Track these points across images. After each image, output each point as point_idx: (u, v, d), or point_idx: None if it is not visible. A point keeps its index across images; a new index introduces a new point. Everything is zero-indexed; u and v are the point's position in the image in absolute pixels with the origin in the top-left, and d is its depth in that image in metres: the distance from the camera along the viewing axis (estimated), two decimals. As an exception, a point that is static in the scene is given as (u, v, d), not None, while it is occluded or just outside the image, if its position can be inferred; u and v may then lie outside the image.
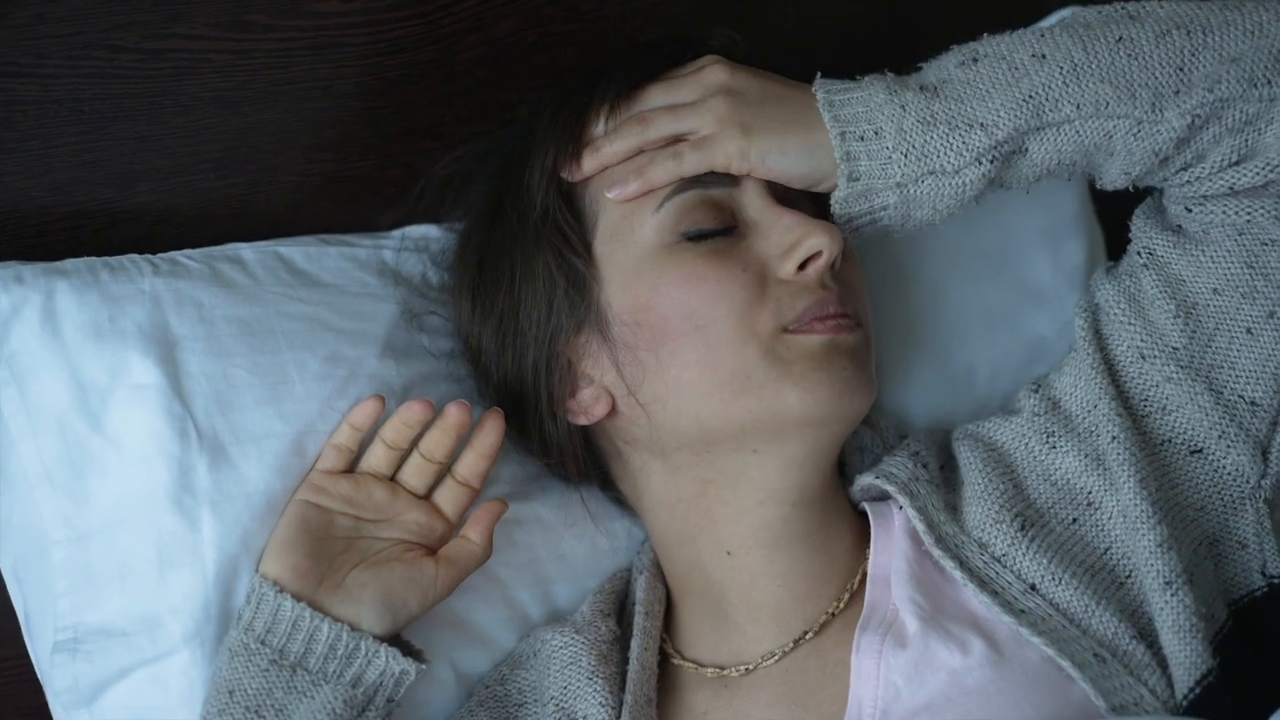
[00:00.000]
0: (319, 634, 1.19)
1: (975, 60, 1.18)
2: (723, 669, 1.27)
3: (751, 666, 1.26)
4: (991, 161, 1.17)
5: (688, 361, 1.22)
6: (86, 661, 1.22)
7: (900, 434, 1.37)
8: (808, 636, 1.26)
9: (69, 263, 1.28)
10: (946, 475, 1.28)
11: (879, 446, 1.34)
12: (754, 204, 1.24)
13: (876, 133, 1.17)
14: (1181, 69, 1.15)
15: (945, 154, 1.17)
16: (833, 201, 1.21)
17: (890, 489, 1.25)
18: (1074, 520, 1.22)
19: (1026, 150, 1.18)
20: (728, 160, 1.21)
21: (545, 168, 1.27)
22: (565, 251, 1.25)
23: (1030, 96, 1.16)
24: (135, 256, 1.30)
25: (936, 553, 1.21)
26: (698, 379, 1.22)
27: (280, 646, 1.19)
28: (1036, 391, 1.28)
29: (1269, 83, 1.14)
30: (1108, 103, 1.15)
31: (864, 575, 1.26)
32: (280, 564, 1.21)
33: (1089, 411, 1.23)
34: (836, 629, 1.25)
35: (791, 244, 1.22)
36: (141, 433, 1.23)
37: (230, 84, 1.33)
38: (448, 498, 1.27)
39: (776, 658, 1.25)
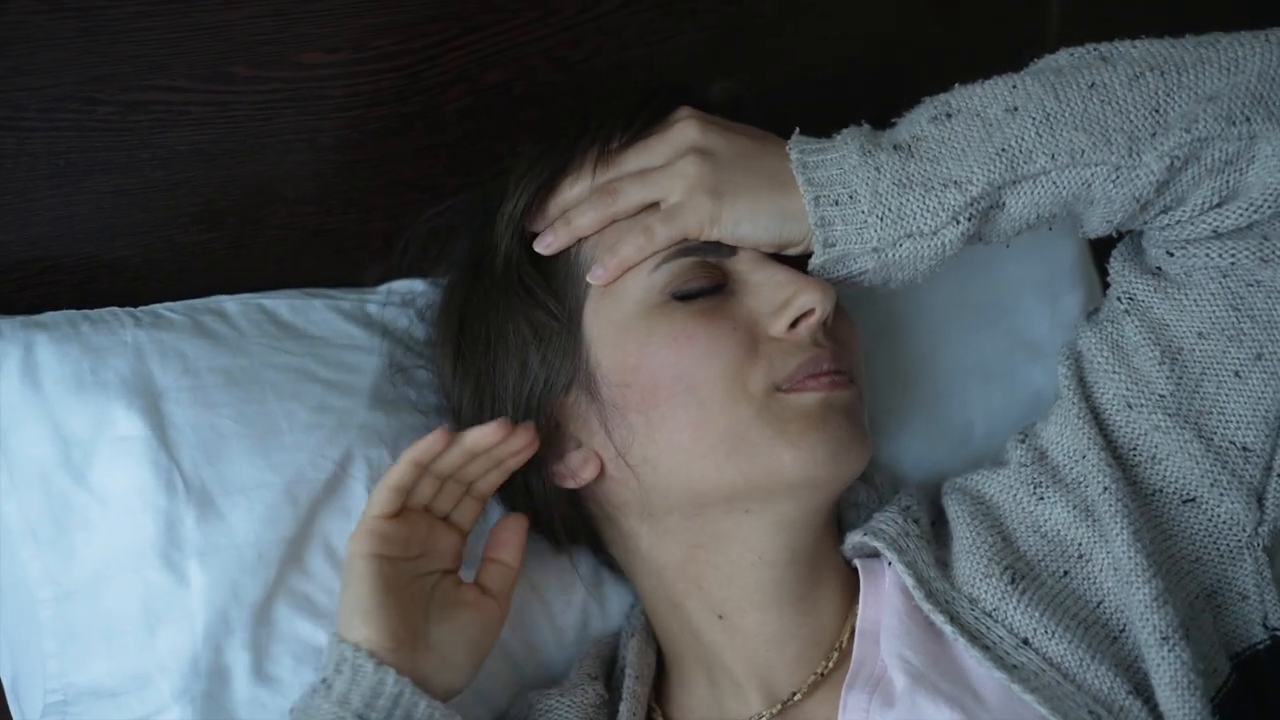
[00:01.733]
0: (416, 711, 1.16)
1: (949, 116, 1.16)
2: None
3: None
4: (969, 219, 1.15)
5: (679, 423, 1.20)
6: None
7: (895, 489, 1.34)
8: (795, 698, 1.23)
9: (48, 316, 1.27)
10: (938, 530, 1.26)
11: (874, 502, 1.32)
12: (746, 261, 1.22)
13: (851, 196, 1.15)
14: (1157, 110, 1.12)
15: (921, 215, 1.15)
16: (810, 267, 1.19)
17: (879, 545, 1.23)
18: (1065, 573, 1.19)
19: (1004, 204, 1.16)
20: (698, 229, 1.19)
21: (515, 228, 1.25)
22: (536, 312, 1.23)
23: (1003, 150, 1.13)
24: (115, 310, 1.29)
25: (927, 607, 1.19)
26: (690, 441, 1.20)
27: (385, 718, 1.15)
28: (1023, 442, 1.26)
29: (1247, 120, 1.11)
30: (1083, 151, 1.13)
31: (852, 632, 1.24)
32: (373, 630, 1.17)
33: (1077, 462, 1.21)
34: (824, 690, 1.23)
35: (783, 301, 1.20)
36: (127, 486, 1.22)
37: (210, 136, 1.32)
38: (464, 514, 1.25)
39: None
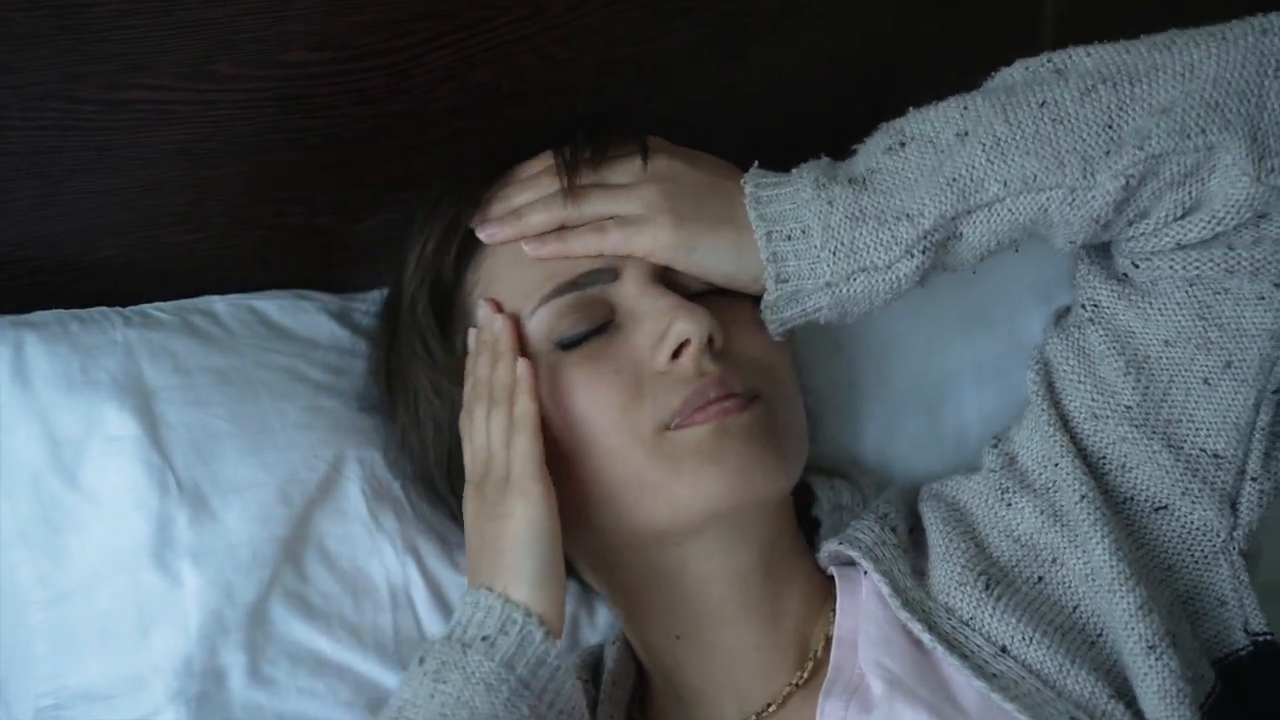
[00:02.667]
0: (564, 689, 1.13)
1: (902, 145, 1.13)
2: None
3: None
4: (923, 252, 1.12)
5: (584, 474, 1.17)
6: None
7: (881, 491, 1.33)
8: (770, 709, 1.21)
9: (37, 315, 1.26)
10: (916, 538, 1.24)
11: (858, 504, 1.31)
12: (630, 292, 1.19)
13: (804, 231, 1.13)
14: (1110, 126, 1.08)
15: (874, 250, 1.12)
16: (762, 305, 1.17)
17: (855, 554, 1.21)
18: (1040, 578, 1.17)
19: (961, 234, 1.12)
20: (652, 248, 1.17)
21: (424, 277, 1.23)
22: (439, 378, 1.23)
23: (954, 180, 1.10)
24: (105, 309, 1.28)
25: (904, 616, 1.16)
26: (597, 490, 1.17)
27: (540, 693, 1.11)
28: (995, 447, 1.24)
29: (1203, 132, 1.07)
30: (1035, 176, 1.09)
31: (828, 640, 1.22)
32: (545, 599, 1.12)
33: (1047, 469, 1.19)
34: (800, 699, 1.21)
35: (660, 333, 1.16)
36: (119, 486, 1.21)
37: (195, 136, 1.31)
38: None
39: None
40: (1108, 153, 1.08)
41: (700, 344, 1.15)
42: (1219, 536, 1.16)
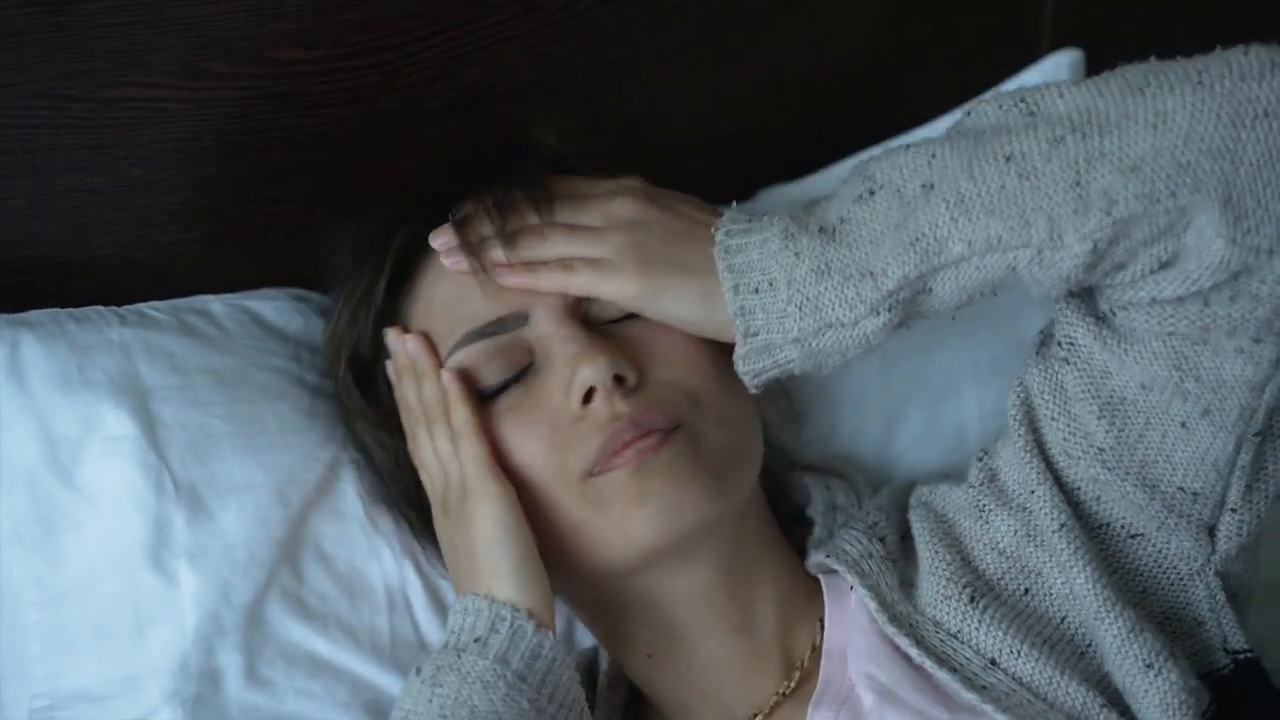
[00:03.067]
0: (563, 679, 1.13)
1: (872, 193, 1.09)
2: None
3: None
4: (889, 310, 1.08)
5: (529, 518, 1.17)
6: None
7: (876, 490, 1.32)
8: (757, 719, 1.21)
9: (32, 314, 1.25)
10: (907, 545, 1.22)
11: (854, 505, 1.29)
12: (543, 333, 1.18)
13: (771, 284, 1.10)
14: (1077, 184, 1.02)
15: (839, 306, 1.09)
16: (734, 357, 1.14)
17: (841, 569, 1.19)
18: (1026, 590, 1.16)
19: (930, 289, 1.09)
20: (617, 294, 1.15)
21: (344, 356, 1.25)
22: (379, 433, 1.25)
23: (917, 240, 1.06)
24: (100, 308, 1.27)
25: (890, 631, 1.15)
26: (544, 536, 1.17)
27: (538, 686, 1.11)
28: (981, 460, 1.21)
29: (1173, 195, 1.00)
30: (1000, 237, 1.05)
31: (814, 649, 1.21)
32: (529, 591, 1.13)
33: (1026, 493, 1.16)
34: (788, 709, 1.20)
35: (569, 381, 1.16)
36: (116, 486, 1.20)
37: (187, 134, 1.30)
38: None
39: None
40: (1075, 212, 1.02)
41: (606, 389, 1.14)
42: (1195, 561, 1.14)
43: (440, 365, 1.20)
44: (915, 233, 1.05)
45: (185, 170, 1.31)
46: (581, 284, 1.15)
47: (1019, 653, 1.12)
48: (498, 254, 1.18)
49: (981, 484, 1.19)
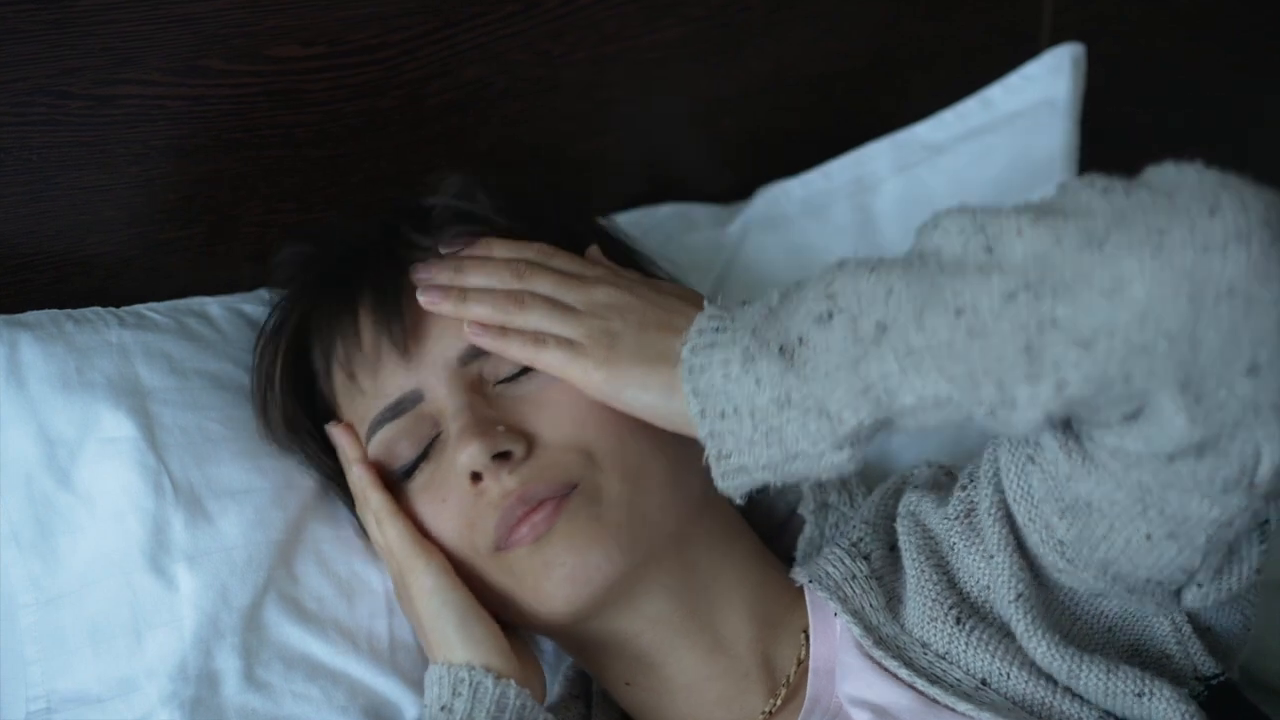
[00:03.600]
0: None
1: (830, 315, 1.03)
2: None
3: None
4: (852, 445, 1.05)
5: (470, 585, 1.19)
6: None
7: (870, 489, 1.30)
8: None
9: (30, 315, 1.24)
10: (894, 556, 1.21)
11: (845, 503, 1.29)
12: (439, 408, 1.19)
13: (735, 410, 1.07)
14: (1028, 349, 0.95)
15: (802, 440, 1.05)
16: (712, 475, 1.10)
17: (822, 595, 1.18)
18: (1005, 626, 1.13)
19: (892, 425, 1.05)
20: (582, 382, 1.14)
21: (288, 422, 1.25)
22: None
23: (869, 388, 1.02)
24: (99, 309, 1.26)
25: (878, 654, 1.14)
26: (484, 597, 1.19)
27: None
28: (964, 489, 1.18)
29: (1126, 380, 0.93)
30: (949, 396, 1.00)
31: (799, 664, 1.20)
32: (480, 647, 1.16)
33: (990, 551, 1.13)
34: None
35: (456, 462, 1.17)
36: (114, 488, 1.20)
37: (185, 131, 1.30)
38: None
39: None
40: (1026, 378, 0.96)
41: (490, 469, 1.15)
42: (1161, 611, 1.12)
43: (363, 451, 1.22)
44: (867, 380, 1.01)
45: (183, 168, 1.31)
46: (548, 362, 1.15)
47: (1008, 675, 1.11)
48: (479, 310, 1.17)
49: (958, 517, 1.16)
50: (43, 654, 1.18)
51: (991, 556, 1.12)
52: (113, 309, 1.27)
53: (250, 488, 1.23)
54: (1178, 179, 0.94)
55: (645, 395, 1.11)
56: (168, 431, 1.22)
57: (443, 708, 1.13)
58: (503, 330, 1.16)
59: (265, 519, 1.23)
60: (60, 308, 1.26)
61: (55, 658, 1.18)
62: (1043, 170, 1.44)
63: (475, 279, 1.18)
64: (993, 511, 1.12)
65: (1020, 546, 1.12)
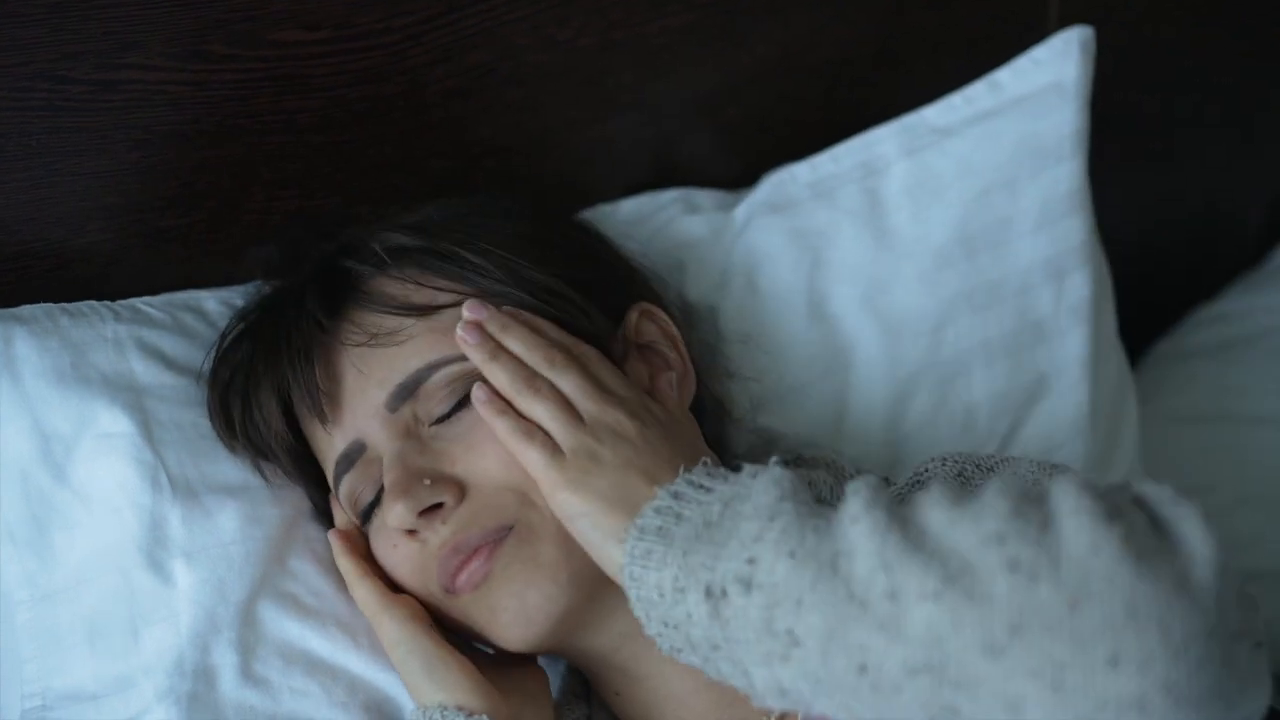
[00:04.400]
0: None
1: (749, 585, 1.01)
2: None
3: None
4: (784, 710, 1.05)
5: (438, 620, 1.20)
6: None
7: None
8: None
9: (25, 309, 1.23)
10: None
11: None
12: (378, 458, 1.20)
13: (675, 627, 1.06)
14: None
15: (736, 679, 1.04)
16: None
17: None
18: None
19: None
20: (547, 491, 1.13)
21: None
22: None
23: (784, 692, 1.01)
24: (94, 303, 1.26)
25: None
26: (462, 633, 1.20)
27: None
28: None
29: None
30: None
31: None
32: (450, 686, 1.16)
33: None
34: None
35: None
36: (110, 483, 1.19)
37: (187, 117, 1.28)
38: None
39: None
40: None
41: (420, 524, 1.16)
42: None
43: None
44: (782, 683, 1.01)
45: (185, 154, 1.30)
46: (527, 459, 1.14)
47: None
48: (499, 376, 1.16)
49: None
50: (38, 651, 1.18)
51: None
52: (108, 303, 1.26)
53: (247, 484, 1.23)
54: (1084, 573, 0.91)
55: (593, 533, 1.11)
56: (164, 427, 1.22)
57: None
58: (503, 407, 1.16)
59: (262, 515, 1.23)
60: (60, 296, 1.25)
61: (51, 655, 1.18)
62: (1051, 153, 1.43)
63: (514, 344, 1.18)
64: None
65: None
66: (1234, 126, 1.93)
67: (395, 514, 1.15)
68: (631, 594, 1.07)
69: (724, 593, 1.03)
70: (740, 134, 1.56)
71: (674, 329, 1.28)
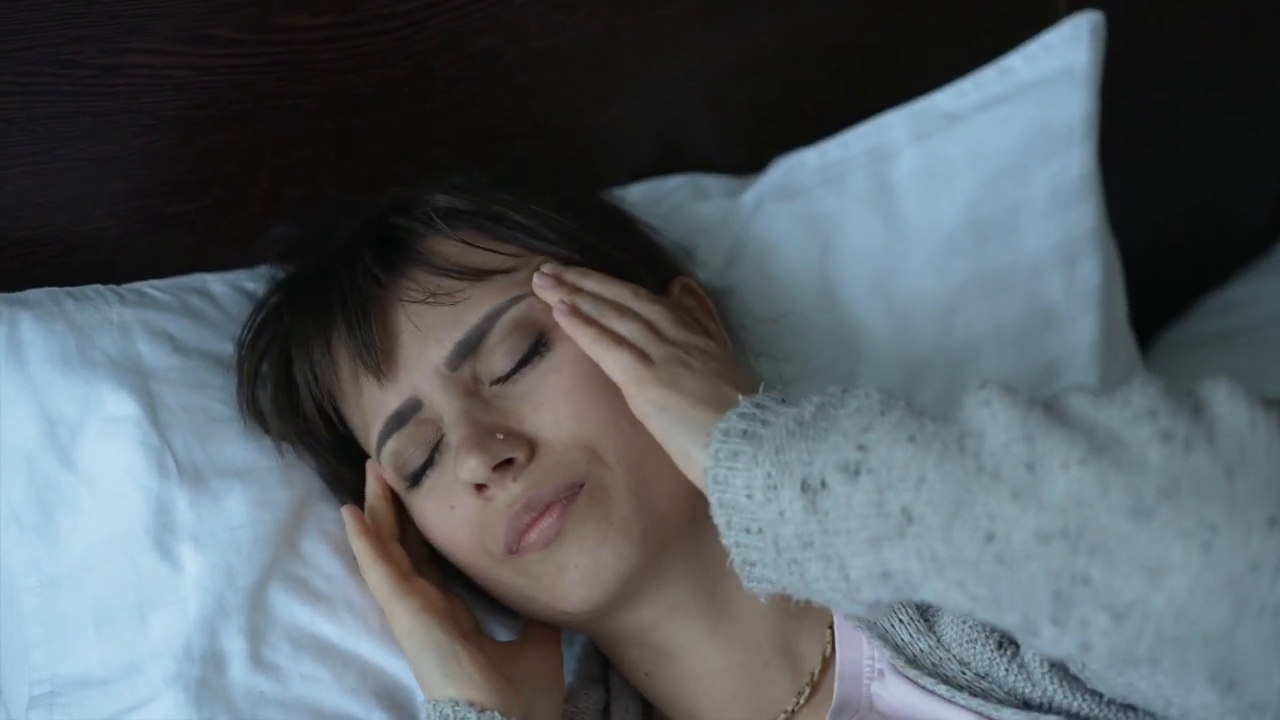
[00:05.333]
0: None
1: (857, 472, 0.99)
2: None
3: None
4: (870, 606, 1.03)
5: (486, 587, 1.20)
6: (65, 715, 1.17)
7: None
8: None
9: (30, 293, 1.23)
10: None
11: None
12: (438, 413, 1.18)
13: (760, 532, 1.04)
14: (1057, 596, 0.92)
15: (821, 582, 1.03)
16: (740, 576, 1.08)
17: (849, 624, 1.16)
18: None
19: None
20: (634, 390, 1.12)
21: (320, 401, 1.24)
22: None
23: (888, 575, 0.98)
24: (99, 287, 1.25)
25: (911, 674, 1.12)
26: (502, 597, 1.20)
27: None
28: None
29: (1154, 661, 0.91)
30: (971, 611, 0.96)
31: (825, 662, 1.19)
32: (461, 680, 1.15)
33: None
34: (803, 717, 1.18)
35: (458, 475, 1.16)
36: (116, 468, 1.19)
37: (193, 102, 1.28)
38: (430, 573, 1.26)
39: None
40: (1051, 621, 0.93)
41: (492, 479, 1.14)
42: None
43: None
44: (888, 566, 0.98)
45: (191, 139, 1.29)
46: (614, 362, 1.14)
47: (1051, 703, 1.08)
48: (583, 305, 1.17)
49: None
50: (45, 637, 1.17)
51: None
52: (113, 286, 1.26)
53: (255, 466, 1.23)
54: (1242, 445, 0.89)
55: (677, 430, 1.10)
56: (170, 411, 1.21)
57: None
58: (589, 323, 1.16)
59: (271, 498, 1.22)
60: (65, 282, 1.24)
61: (58, 641, 1.17)
62: (1061, 139, 1.43)
63: (592, 285, 1.18)
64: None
65: None
66: (1241, 115, 1.92)
67: (468, 468, 1.13)
68: (714, 498, 1.05)
69: (824, 484, 1.01)
70: (746, 120, 1.55)
71: (710, 303, 1.28)
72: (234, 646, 1.19)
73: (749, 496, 1.04)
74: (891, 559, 0.98)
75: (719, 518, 1.05)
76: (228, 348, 1.26)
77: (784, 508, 1.02)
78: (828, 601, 1.02)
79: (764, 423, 1.05)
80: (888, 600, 1.00)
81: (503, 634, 1.28)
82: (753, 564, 1.05)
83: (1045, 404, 0.94)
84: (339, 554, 1.24)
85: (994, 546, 0.93)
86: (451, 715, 1.14)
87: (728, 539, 1.05)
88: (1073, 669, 1.06)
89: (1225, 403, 0.91)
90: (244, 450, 1.23)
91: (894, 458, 0.98)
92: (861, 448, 0.99)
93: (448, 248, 1.20)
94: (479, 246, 1.20)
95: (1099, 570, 0.90)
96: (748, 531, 1.04)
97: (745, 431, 1.05)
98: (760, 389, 1.09)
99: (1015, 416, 0.93)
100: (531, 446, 1.15)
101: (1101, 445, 0.91)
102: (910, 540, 0.96)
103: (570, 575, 1.14)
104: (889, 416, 1.00)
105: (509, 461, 1.14)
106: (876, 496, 0.98)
